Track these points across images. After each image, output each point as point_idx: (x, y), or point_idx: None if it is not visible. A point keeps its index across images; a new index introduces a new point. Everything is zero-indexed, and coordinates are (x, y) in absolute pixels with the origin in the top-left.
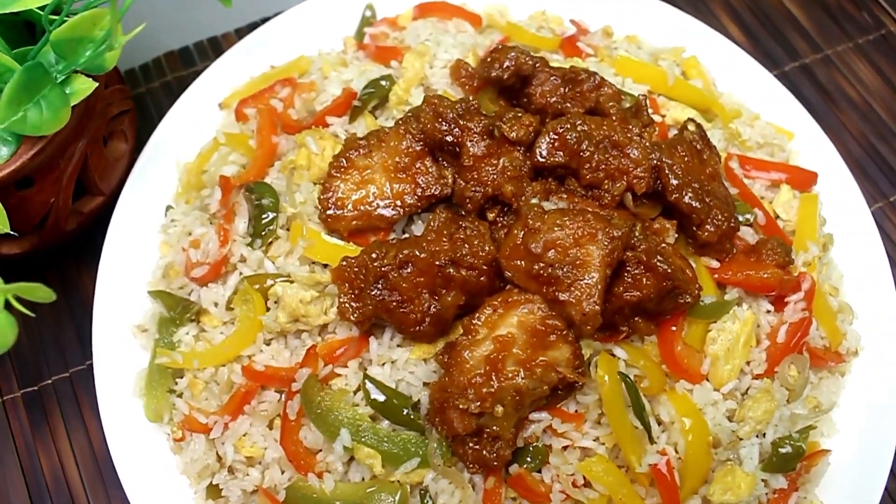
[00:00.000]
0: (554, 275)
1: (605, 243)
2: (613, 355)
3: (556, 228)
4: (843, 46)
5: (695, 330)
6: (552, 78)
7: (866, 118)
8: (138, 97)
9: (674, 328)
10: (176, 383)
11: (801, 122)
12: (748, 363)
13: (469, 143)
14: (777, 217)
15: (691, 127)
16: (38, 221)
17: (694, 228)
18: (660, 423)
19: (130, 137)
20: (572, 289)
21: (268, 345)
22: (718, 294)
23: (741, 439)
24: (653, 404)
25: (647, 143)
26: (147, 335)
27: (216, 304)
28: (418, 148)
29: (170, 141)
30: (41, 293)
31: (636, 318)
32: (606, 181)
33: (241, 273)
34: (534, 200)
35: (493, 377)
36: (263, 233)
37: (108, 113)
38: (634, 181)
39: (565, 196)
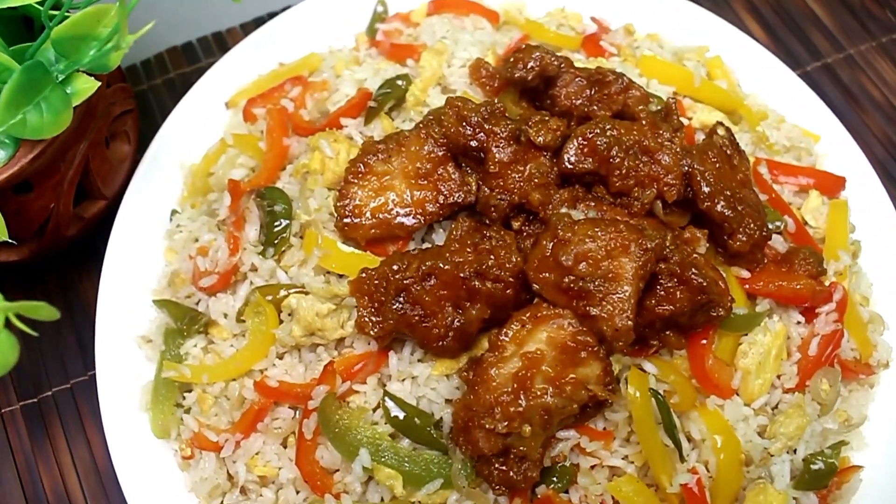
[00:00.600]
0: (585, 288)
1: (639, 255)
2: (643, 370)
3: (587, 240)
4: (865, 45)
5: (725, 343)
6: (577, 79)
7: (890, 119)
8: (140, 95)
9: (704, 341)
10: (184, 398)
11: (826, 125)
12: (779, 377)
13: (495, 149)
14: (805, 224)
15: (721, 131)
16: (38, 228)
17: (725, 238)
18: (689, 440)
19: (133, 138)
20: (604, 303)
21: (280, 359)
22: (749, 306)
23: (772, 456)
24: (682, 420)
25: (678, 149)
26: (152, 346)
27: (226, 316)
28: (440, 153)
29: (174, 142)
30: (45, 312)
31: (667, 332)
32: (636, 189)
33: (251, 283)
34: (563, 210)
35: (522, 396)
36: (276, 241)
37: (110, 113)
38: (665, 189)
39: (593, 204)
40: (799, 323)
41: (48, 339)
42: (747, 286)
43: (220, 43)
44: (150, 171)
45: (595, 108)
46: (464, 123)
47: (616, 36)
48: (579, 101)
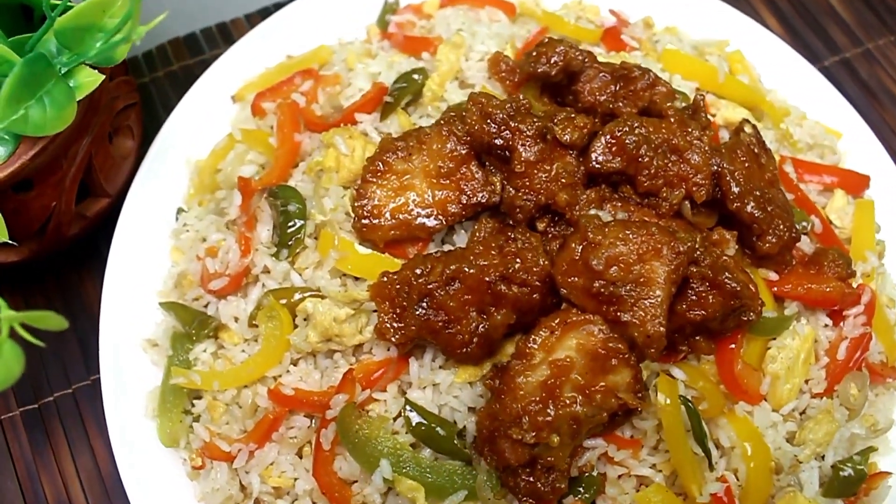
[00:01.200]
0: (616, 293)
1: (671, 259)
2: (671, 376)
3: (618, 243)
4: (884, 40)
5: (753, 347)
6: (601, 74)
7: None
8: (141, 88)
9: (733, 346)
10: (193, 405)
11: (847, 121)
12: (806, 382)
13: (521, 147)
14: (831, 224)
15: (748, 129)
16: (39, 227)
17: (754, 239)
18: (718, 447)
19: (137, 133)
20: (635, 308)
21: (295, 365)
22: (777, 309)
23: (800, 463)
24: (710, 427)
25: (707, 148)
26: (158, 350)
27: (236, 320)
28: (463, 151)
29: (179, 137)
30: (52, 321)
31: (697, 337)
32: (664, 189)
33: (263, 286)
34: (592, 211)
35: (550, 405)
36: (290, 242)
37: (113, 107)
38: (694, 189)
39: (620, 205)
40: (826, 326)
41: (49, 342)
42: (775, 289)
43: (224, 34)
44: (154, 167)
45: (620, 104)
46: (488, 120)
47: (635, 29)
48: (603, 98)
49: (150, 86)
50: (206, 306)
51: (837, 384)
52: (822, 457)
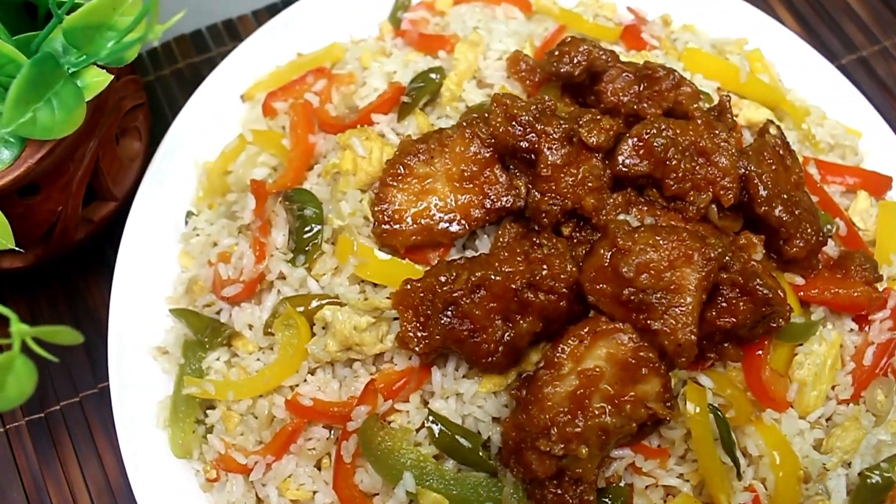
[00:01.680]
0: (646, 301)
1: (702, 265)
2: (698, 384)
3: (649, 249)
4: None
5: (780, 353)
6: (624, 74)
7: None
8: (147, 87)
9: (760, 352)
10: (206, 415)
11: (867, 120)
12: (833, 388)
13: (547, 150)
14: (854, 226)
15: (773, 130)
16: (45, 232)
17: (781, 243)
18: (745, 455)
19: (144, 135)
20: (666, 316)
21: (312, 374)
22: (804, 314)
23: (827, 471)
24: (738, 435)
25: (734, 150)
26: (168, 358)
27: (251, 327)
28: (487, 154)
29: (188, 138)
30: (66, 336)
31: (725, 344)
32: (691, 192)
33: (279, 292)
34: (621, 216)
35: (579, 416)
36: (307, 248)
37: (121, 108)
38: (721, 192)
39: (646, 209)
40: (852, 331)
41: (54, 349)
42: (801, 293)
43: (231, 31)
44: (162, 169)
45: (644, 105)
46: (513, 123)
47: (654, 27)
48: (627, 98)
49: (155, 84)
50: (218, 313)
51: (864, 390)
52: (849, 464)
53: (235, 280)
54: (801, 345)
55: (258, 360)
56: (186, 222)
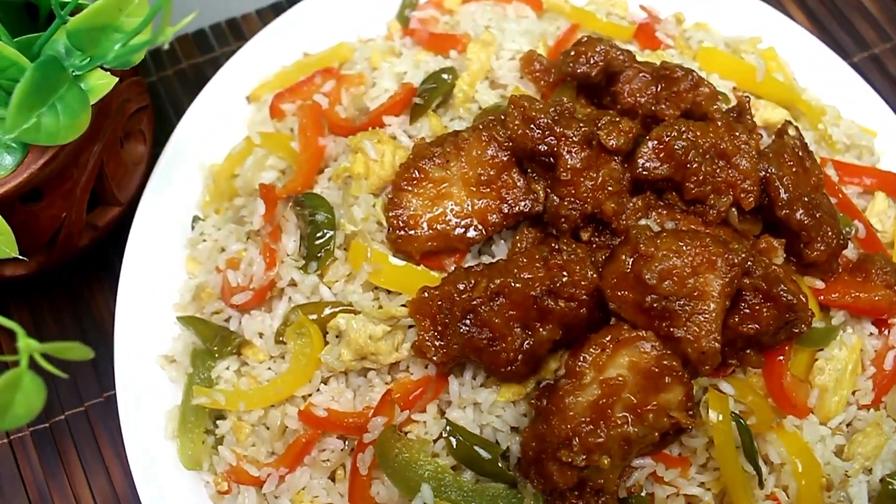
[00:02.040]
0: (669, 308)
1: (725, 271)
2: (720, 391)
3: (672, 255)
4: None
5: (800, 359)
6: (641, 74)
7: None
8: (149, 88)
9: (781, 358)
10: (216, 425)
11: (882, 119)
12: (853, 393)
13: (566, 154)
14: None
15: (791, 131)
16: (48, 239)
17: (801, 246)
18: (767, 463)
19: (149, 138)
20: (689, 324)
21: (325, 383)
22: (824, 318)
23: (849, 477)
24: (759, 443)
25: (755, 152)
26: (176, 367)
27: (261, 335)
28: (504, 158)
29: (193, 141)
30: (77, 352)
31: (747, 351)
32: (712, 196)
33: (290, 299)
34: (643, 221)
35: (602, 426)
36: (319, 254)
37: (125, 111)
38: (742, 195)
39: (665, 213)
40: (871, 335)
41: (59, 360)
42: (821, 297)
43: (234, 30)
44: (167, 173)
45: (662, 106)
46: (531, 125)
47: (667, 25)
48: (644, 99)
49: (158, 85)
50: (226, 321)
51: (885, 395)
52: (870, 470)
53: (245, 287)
54: (821, 350)
55: (269, 369)
56: (193, 227)
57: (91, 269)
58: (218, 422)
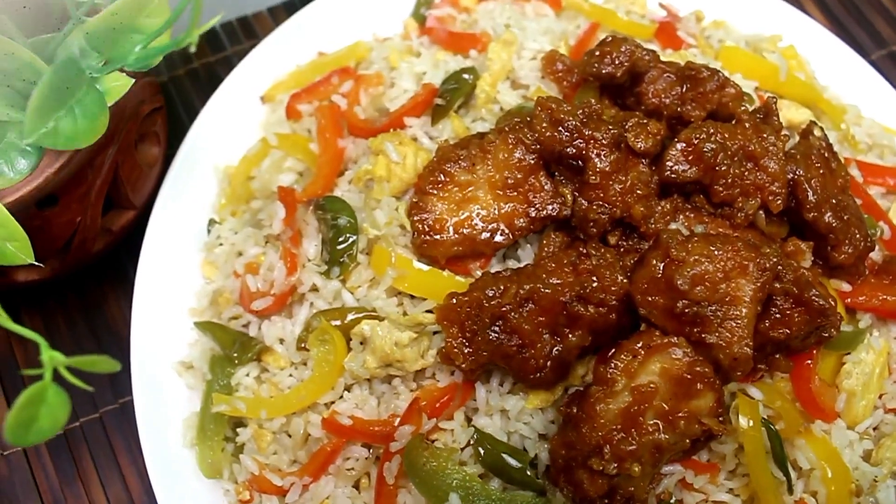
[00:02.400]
0: (700, 313)
1: (757, 276)
2: (748, 396)
3: (703, 260)
4: None
5: (827, 363)
6: (666, 75)
7: None
8: (161, 88)
9: (809, 362)
10: (235, 433)
11: None
12: (880, 397)
13: (595, 157)
14: None
15: (817, 132)
16: (63, 244)
17: (829, 249)
18: (795, 468)
19: (163, 139)
20: (721, 329)
21: (348, 391)
22: (851, 321)
23: (877, 482)
24: (787, 448)
25: (783, 154)
26: (193, 373)
27: (282, 341)
28: (531, 161)
29: (207, 142)
30: (103, 365)
31: (776, 356)
32: (740, 198)
33: (311, 305)
34: (673, 225)
35: (633, 433)
36: (342, 259)
37: (139, 112)
38: (770, 198)
39: (692, 216)
40: None
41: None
42: (848, 300)
43: (246, 29)
44: (182, 175)
45: (688, 107)
46: (559, 128)
47: (688, 24)
48: (669, 100)
49: (169, 85)
50: (245, 326)
51: None
52: None
53: (266, 293)
54: (848, 353)
55: (290, 375)
56: (209, 231)
57: (105, 274)
58: (238, 429)
